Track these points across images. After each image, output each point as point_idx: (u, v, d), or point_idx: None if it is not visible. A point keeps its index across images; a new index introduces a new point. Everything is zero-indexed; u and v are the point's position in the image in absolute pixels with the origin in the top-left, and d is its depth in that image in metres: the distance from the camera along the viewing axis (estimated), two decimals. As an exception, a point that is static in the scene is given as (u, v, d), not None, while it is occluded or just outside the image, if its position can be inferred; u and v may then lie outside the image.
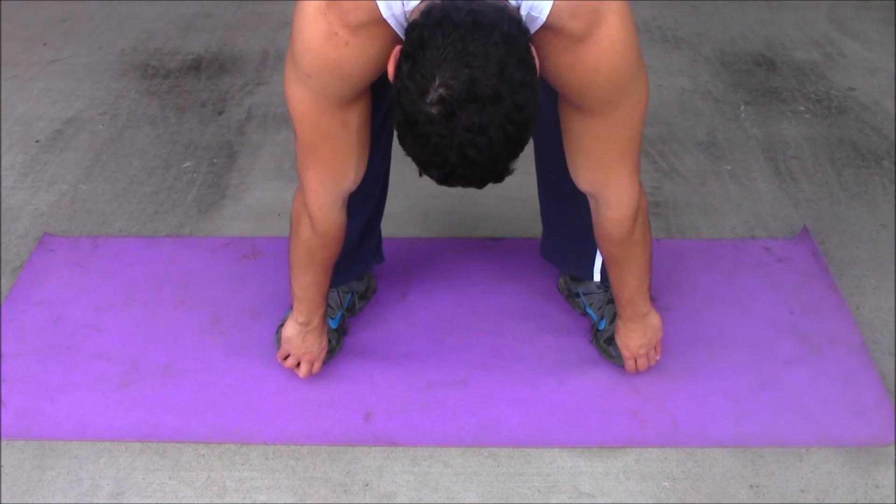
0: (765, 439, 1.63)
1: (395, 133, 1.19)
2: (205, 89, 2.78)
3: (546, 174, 1.76)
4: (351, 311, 1.86)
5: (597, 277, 1.82)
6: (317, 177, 1.46)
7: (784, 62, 2.91)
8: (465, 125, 1.10)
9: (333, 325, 1.80)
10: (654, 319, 1.70)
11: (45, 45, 3.07)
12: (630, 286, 1.63)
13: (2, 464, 1.61)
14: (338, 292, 1.83)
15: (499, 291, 1.96)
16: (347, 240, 1.63)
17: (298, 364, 1.71)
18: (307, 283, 1.62)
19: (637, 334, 1.68)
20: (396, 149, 1.86)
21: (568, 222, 1.78)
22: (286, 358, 1.72)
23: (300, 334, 1.67)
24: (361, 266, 1.86)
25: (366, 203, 1.74)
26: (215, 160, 2.44)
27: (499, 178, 1.18)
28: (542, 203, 1.84)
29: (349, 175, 1.48)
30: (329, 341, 1.76)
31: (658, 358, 1.75)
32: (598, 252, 1.78)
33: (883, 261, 2.06)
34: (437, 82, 1.09)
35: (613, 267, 1.63)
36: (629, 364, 1.73)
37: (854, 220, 2.19)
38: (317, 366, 1.72)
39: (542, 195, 1.82)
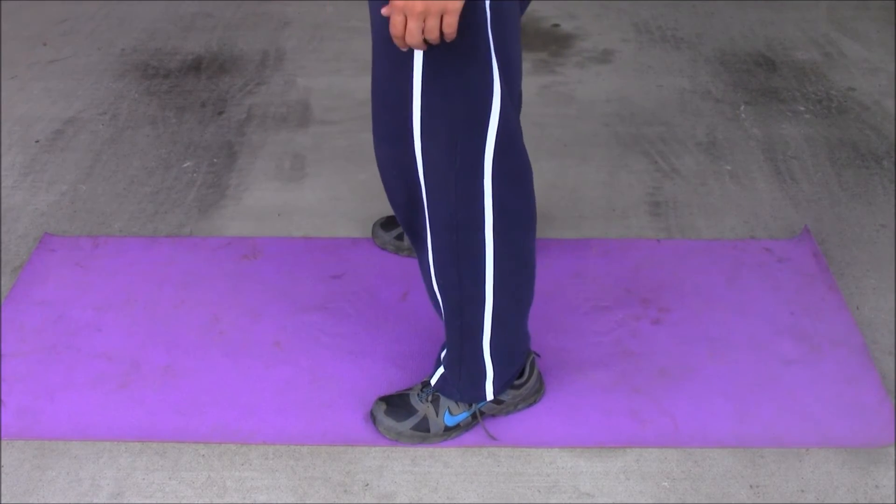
0: (765, 439, 1.63)
1: None
2: (205, 89, 2.78)
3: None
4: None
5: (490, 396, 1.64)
6: None
7: (784, 62, 2.91)
8: None
9: None
10: None
11: (45, 45, 3.07)
12: None
13: (2, 464, 1.61)
14: None
15: (499, 291, 1.96)
16: None
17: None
18: None
19: None
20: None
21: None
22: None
23: None
24: None
25: None
26: (215, 160, 2.44)
27: None
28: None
29: None
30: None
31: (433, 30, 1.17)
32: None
33: (883, 261, 2.06)
34: None
35: None
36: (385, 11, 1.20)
37: (854, 220, 2.19)
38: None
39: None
